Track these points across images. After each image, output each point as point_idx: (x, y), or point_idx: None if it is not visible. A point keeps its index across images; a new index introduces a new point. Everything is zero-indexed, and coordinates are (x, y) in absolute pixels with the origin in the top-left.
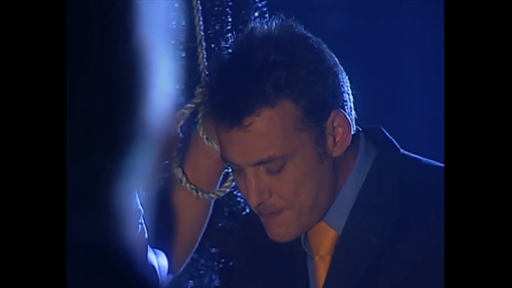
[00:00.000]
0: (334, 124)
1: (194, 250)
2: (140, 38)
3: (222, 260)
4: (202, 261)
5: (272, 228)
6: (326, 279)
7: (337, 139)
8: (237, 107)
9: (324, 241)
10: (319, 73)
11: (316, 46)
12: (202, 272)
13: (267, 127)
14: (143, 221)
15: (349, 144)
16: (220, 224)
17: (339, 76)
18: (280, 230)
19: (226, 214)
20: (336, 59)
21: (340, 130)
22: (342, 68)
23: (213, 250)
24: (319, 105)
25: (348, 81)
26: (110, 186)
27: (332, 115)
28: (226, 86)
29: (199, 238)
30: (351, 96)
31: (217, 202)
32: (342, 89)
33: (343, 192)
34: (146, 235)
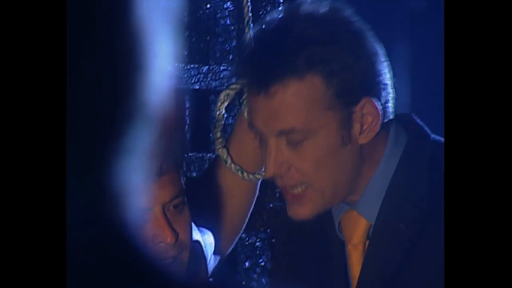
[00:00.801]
0: (364, 111)
1: (241, 230)
2: (138, 18)
3: (273, 241)
4: (257, 243)
5: (294, 207)
6: (362, 268)
7: (364, 127)
8: (266, 74)
9: (356, 230)
10: (355, 57)
11: (359, 32)
12: (258, 252)
13: (293, 99)
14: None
15: (376, 133)
16: (271, 205)
17: (378, 65)
18: (302, 209)
19: (277, 195)
20: (381, 50)
21: (369, 118)
22: (386, 60)
23: (264, 230)
24: (350, 89)
25: (390, 74)
26: (108, 166)
27: (362, 102)
28: (260, 53)
29: (246, 218)
30: (389, 89)
31: (268, 183)
32: (379, 78)
33: (373, 181)
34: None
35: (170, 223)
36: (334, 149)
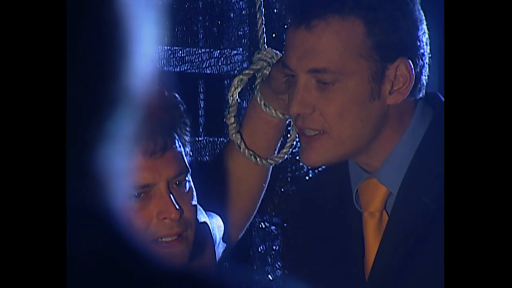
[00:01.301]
0: (398, 71)
1: (252, 216)
2: (122, 4)
3: (285, 225)
4: (272, 227)
5: (308, 152)
6: (382, 239)
7: (395, 87)
8: (310, 7)
9: (375, 197)
10: (401, 14)
11: None
12: (272, 237)
13: (331, 38)
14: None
15: (405, 97)
16: (282, 189)
17: (420, 32)
18: (316, 154)
19: (288, 179)
20: (424, 21)
21: (401, 79)
22: (427, 32)
23: (276, 215)
24: (389, 44)
25: (428, 47)
26: (92, 150)
27: (398, 61)
28: None
29: (257, 204)
30: (426, 60)
31: (279, 167)
32: (419, 44)
33: (397, 150)
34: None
35: (174, 199)
36: (362, 100)
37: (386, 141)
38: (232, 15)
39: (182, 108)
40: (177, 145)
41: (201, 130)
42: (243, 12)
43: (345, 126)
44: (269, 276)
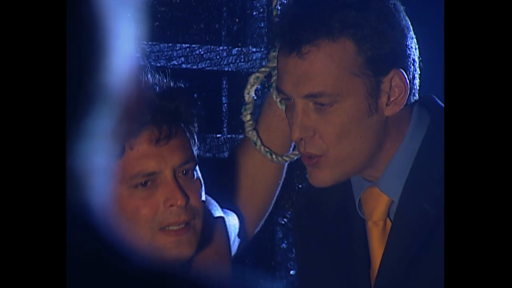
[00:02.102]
0: (392, 83)
1: (267, 212)
2: (101, 2)
3: (288, 222)
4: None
5: (315, 172)
6: (386, 246)
7: (391, 99)
8: (299, 34)
9: (378, 206)
10: (388, 26)
11: (393, 4)
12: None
13: (324, 61)
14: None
15: (402, 106)
16: (300, 185)
17: (409, 40)
18: (323, 173)
19: (306, 175)
20: (411, 27)
21: (396, 90)
22: (414, 38)
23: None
24: (381, 58)
25: (417, 51)
26: (71, 147)
27: (391, 73)
28: (294, 14)
29: (272, 200)
30: (417, 66)
31: (297, 163)
32: (409, 52)
33: (396, 158)
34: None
35: (180, 186)
36: (360, 117)
37: (386, 151)
38: (254, 13)
39: (188, 99)
40: (183, 134)
41: (224, 126)
42: (261, 10)
43: (344, 146)
44: (291, 271)
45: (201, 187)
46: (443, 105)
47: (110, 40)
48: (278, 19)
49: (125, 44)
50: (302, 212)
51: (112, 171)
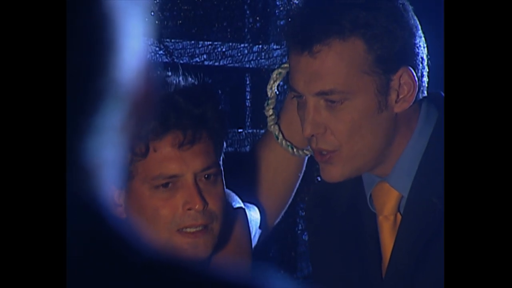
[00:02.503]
0: (401, 80)
1: (287, 204)
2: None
3: (298, 228)
4: None
5: (327, 167)
6: (396, 240)
7: (400, 96)
8: (311, 33)
9: (388, 201)
10: (397, 25)
11: (401, 3)
12: None
13: (334, 60)
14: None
15: (411, 103)
16: (319, 178)
17: (417, 38)
18: (335, 169)
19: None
20: (419, 26)
21: (405, 87)
22: (422, 36)
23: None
24: (390, 56)
25: (426, 49)
26: (81, 142)
27: (400, 70)
28: (306, 14)
29: (292, 193)
30: (425, 63)
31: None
32: (417, 50)
33: (405, 154)
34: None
35: (200, 191)
36: (370, 113)
37: (396, 147)
38: (276, 10)
39: (216, 105)
40: (207, 139)
41: (247, 121)
42: (281, 8)
43: (355, 142)
44: None
45: (222, 191)
46: None
47: (119, 38)
48: (289, 19)
49: (134, 42)
50: (315, 207)
51: (134, 168)
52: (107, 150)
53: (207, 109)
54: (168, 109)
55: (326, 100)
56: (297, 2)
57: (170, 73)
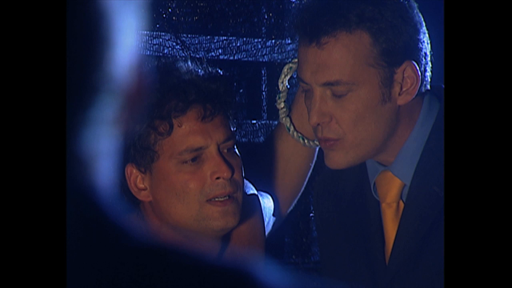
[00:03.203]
0: (405, 74)
1: (299, 193)
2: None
3: (311, 215)
4: None
5: (331, 154)
6: (399, 227)
7: (403, 89)
8: (319, 25)
9: (391, 189)
10: (402, 20)
11: (407, 1)
12: None
13: (341, 52)
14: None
15: (414, 96)
16: None
17: (421, 34)
18: (338, 156)
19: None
20: (423, 23)
21: (408, 81)
22: (426, 33)
23: None
24: (394, 50)
25: (429, 45)
26: (77, 134)
27: (404, 64)
28: (314, 7)
29: (304, 182)
30: (428, 58)
31: None
32: (421, 46)
33: (408, 144)
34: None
35: (226, 160)
36: (374, 104)
37: (399, 137)
38: (291, 6)
39: (226, 84)
40: (223, 113)
41: (263, 113)
42: (293, 5)
43: (359, 131)
44: None
45: (241, 163)
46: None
47: (114, 34)
48: (298, 12)
49: (127, 38)
50: (322, 194)
51: (159, 148)
52: (101, 141)
53: (221, 85)
54: (188, 86)
55: (332, 91)
56: None
57: (180, 61)
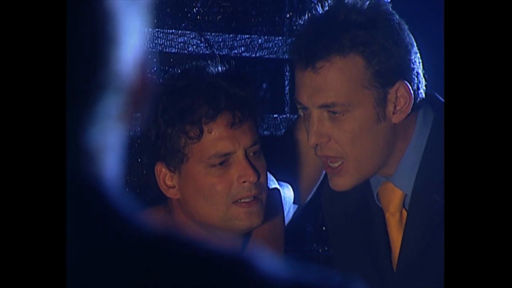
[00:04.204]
0: (398, 93)
1: (318, 183)
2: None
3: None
4: None
5: (336, 180)
6: (403, 237)
7: (397, 108)
8: (313, 51)
9: (393, 200)
10: (394, 43)
11: (397, 23)
12: None
13: (336, 75)
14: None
15: (407, 114)
16: None
17: (413, 55)
18: (343, 180)
19: None
20: (414, 43)
21: (402, 100)
22: (418, 52)
23: None
24: (387, 71)
25: (421, 65)
26: (85, 129)
27: (397, 84)
28: (309, 33)
29: (323, 172)
30: (421, 78)
31: None
32: (413, 66)
33: (406, 156)
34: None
35: (252, 164)
36: (370, 124)
37: (397, 151)
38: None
39: (255, 89)
40: (251, 118)
41: (286, 107)
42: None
43: (359, 150)
44: None
45: (265, 165)
46: (443, 101)
47: (119, 33)
48: (294, 38)
49: (132, 37)
50: (330, 202)
51: (189, 151)
52: (108, 135)
53: (249, 92)
54: (218, 93)
55: (328, 112)
56: (302, 22)
57: (209, 62)
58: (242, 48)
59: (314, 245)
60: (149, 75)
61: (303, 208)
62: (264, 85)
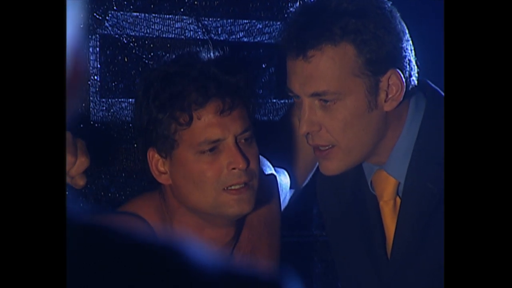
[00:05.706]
0: (390, 82)
1: (314, 168)
2: None
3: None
4: None
5: (325, 162)
6: (397, 224)
7: (389, 96)
8: (305, 40)
9: (386, 188)
10: (385, 31)
11: (389, 11)
12: None
13: (327, 64)
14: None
15: (399, 102)
16: None
17: (404, 42)
18: (332, 164)
19: None
20: (406, 30)
21: (393, 88)
22: (410, 40)
23: None
24: (378, 59)
25: (413, 52)
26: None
27: (389, 72)
28: (300, 22)
29: None
30: (413, 65)
31: None
32: (404, 53)
33: (399, 144)
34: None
35: (242, 151)
36: (361, 112)
37: (389, 139)
38: None
39: (247, 76)
40: (242, 105)
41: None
42: None
43: (350, 138)
44: None
45: (257, 151)
46: (435, 87)
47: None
48: (286, 27)
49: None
50: (324, 191)
51: (179, 137)
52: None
53: (240, 79)
54: (208, 80)
55: (320, 100)
56: (293, 10)
57: (200, 49)
58: (241, 34)
59: (313, 230)
60: (81, 60)
61: (300, 194)
62: (271, 70)
